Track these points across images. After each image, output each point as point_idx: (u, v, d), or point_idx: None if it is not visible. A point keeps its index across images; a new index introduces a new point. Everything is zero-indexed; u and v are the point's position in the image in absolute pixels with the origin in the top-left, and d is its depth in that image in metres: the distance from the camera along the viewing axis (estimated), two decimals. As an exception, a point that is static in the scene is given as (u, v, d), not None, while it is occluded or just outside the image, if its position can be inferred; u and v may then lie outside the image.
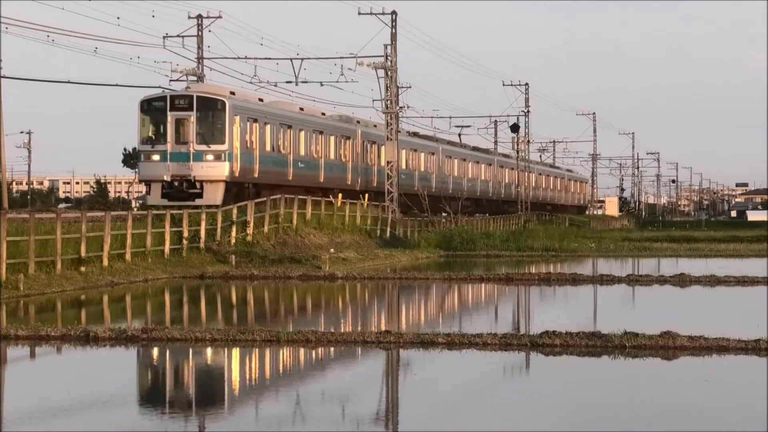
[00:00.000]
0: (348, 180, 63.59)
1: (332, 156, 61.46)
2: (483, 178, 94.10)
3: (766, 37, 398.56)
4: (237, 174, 50.54)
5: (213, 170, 49.59)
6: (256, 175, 52.35)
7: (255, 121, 52.59)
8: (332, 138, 61.60)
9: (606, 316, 28.68)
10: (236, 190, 50.80)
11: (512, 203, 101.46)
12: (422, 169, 77.20)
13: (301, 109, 60.35)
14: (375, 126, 69.26)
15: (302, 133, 57.78)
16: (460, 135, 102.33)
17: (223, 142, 49.87)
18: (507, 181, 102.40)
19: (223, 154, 49.72)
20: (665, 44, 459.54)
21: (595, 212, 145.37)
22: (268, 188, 53.12)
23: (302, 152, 57.71)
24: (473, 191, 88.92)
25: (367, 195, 63.27)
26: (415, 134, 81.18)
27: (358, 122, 67.03)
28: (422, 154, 77.39)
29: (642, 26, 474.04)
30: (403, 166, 71.05)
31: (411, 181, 73.72)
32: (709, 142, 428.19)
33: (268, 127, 53.90)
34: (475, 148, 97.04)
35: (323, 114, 63.59)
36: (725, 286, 37.37)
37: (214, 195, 49.17)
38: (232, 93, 52.49)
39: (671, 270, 43.62)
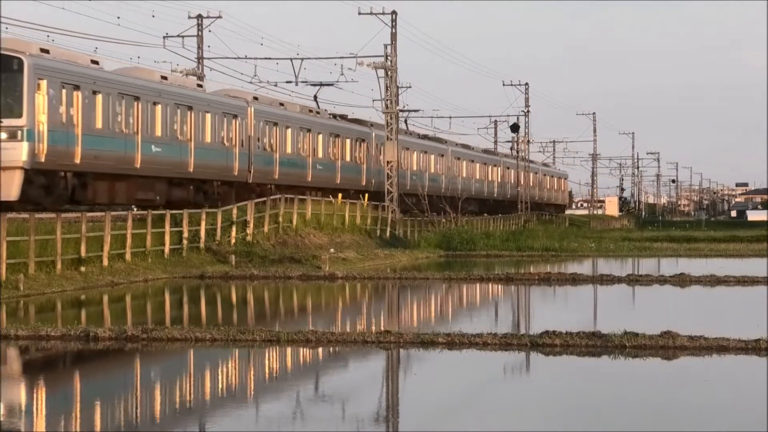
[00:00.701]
0: (234, 170, 51.77)
1: (208, 138, 49.59)
2: (433, 171, 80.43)
3: (766, 37, 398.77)
4: (43, 158, 38.39)
5: (5, 153, 37.35)
6: (77, 160, 40.16)
7: (77, 88, 40.26)
8: (208, 116, 49.57)
9: (606, 316, 28.68)
10: (45, 180, 39.07)
11: (471, 200, 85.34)
12: (347, 158, 64.26)
13: (165, 77, 48.50)
14: (281, 105, 58.72)
15: (158, 108, 45.62)
16: (406, 120, 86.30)
17: (20, 115, 37.64)
18: (465, 174, 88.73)
19: (19, 132, 37.60)
20: (665, 44, 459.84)
21: (595, 212, 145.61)
22: (102, 179, 42.26)
23: (158, 132, 45.54)
24: (418, 186, 73.86)
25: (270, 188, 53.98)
26: (343, 117, 67.65)
27: (256, 99, 55.85)
28: (348, 141, 64.18)
29: (642, 26, 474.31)
30: (320, 155, 60.71)
31: (331, 173, 62.23)
32: (709, 142, 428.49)
33: (99, 97, 41.49)
34: (424, 137, 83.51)
35: (200, 86, 52.31)
36: (725, 286, 37.37)
37: (8, 189, 37.44)
38: (45, 51, 40.00)
39: (671, 270, 43.62)
